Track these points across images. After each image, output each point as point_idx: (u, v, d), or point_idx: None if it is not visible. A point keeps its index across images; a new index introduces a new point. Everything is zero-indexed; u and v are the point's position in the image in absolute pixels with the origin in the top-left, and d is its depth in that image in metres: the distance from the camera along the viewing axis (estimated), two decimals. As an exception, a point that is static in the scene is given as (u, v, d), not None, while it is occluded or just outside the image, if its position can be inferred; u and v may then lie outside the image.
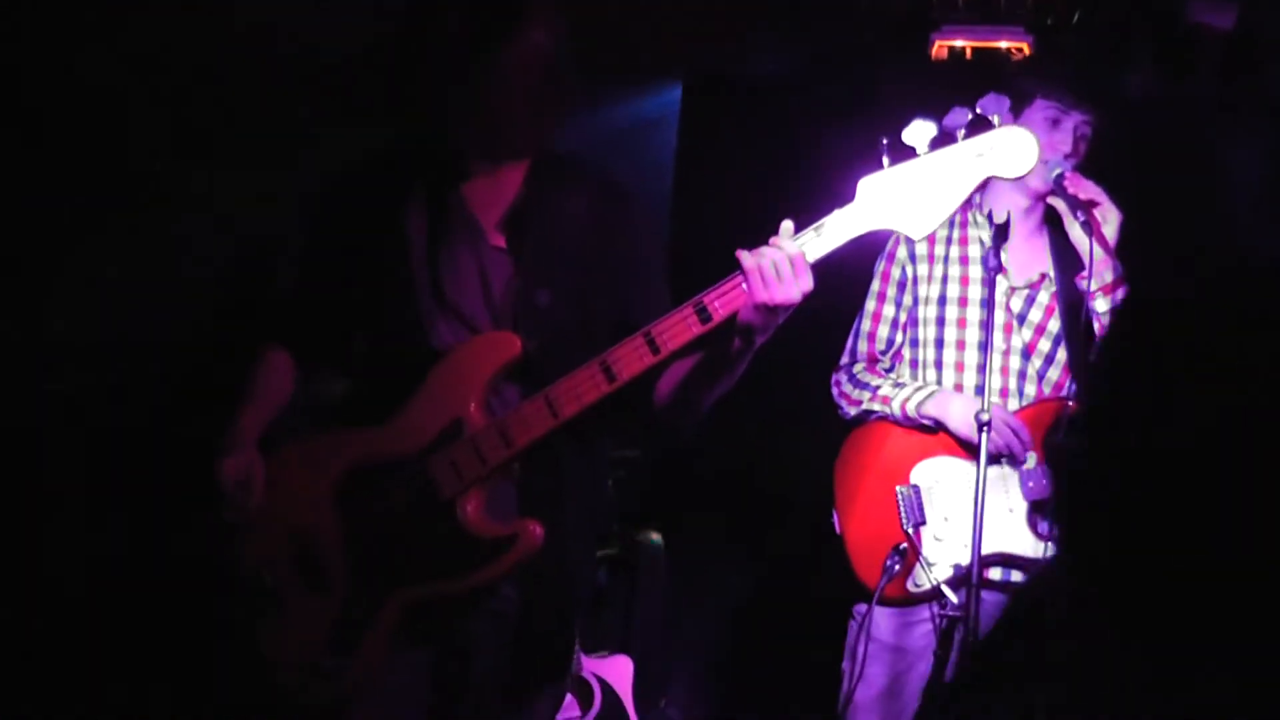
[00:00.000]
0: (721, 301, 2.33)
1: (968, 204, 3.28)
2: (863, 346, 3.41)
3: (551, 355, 2.43)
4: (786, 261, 2.25)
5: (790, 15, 4.12)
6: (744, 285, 2.30)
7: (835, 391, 3.41)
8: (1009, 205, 3.23)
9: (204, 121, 3.47)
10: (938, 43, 4.22)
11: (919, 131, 2.32)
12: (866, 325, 3.42)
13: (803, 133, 4.14)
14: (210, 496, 2.49)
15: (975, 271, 3.29)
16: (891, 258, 3.37)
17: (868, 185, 2.33)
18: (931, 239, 3.31)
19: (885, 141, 2.33)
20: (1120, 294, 3.13)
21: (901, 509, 3.21)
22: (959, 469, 3.22)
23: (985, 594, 3.16)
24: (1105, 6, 4.09)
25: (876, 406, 3.30)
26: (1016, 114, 3.16)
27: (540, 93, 2.40)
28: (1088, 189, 3.13)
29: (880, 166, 2.33)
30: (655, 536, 4.09)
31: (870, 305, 3.43)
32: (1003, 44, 4.15)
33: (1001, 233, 3.03)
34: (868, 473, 3.29)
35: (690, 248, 2.66)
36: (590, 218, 2.51)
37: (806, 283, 2.27)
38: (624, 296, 2.51)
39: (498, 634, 2.51)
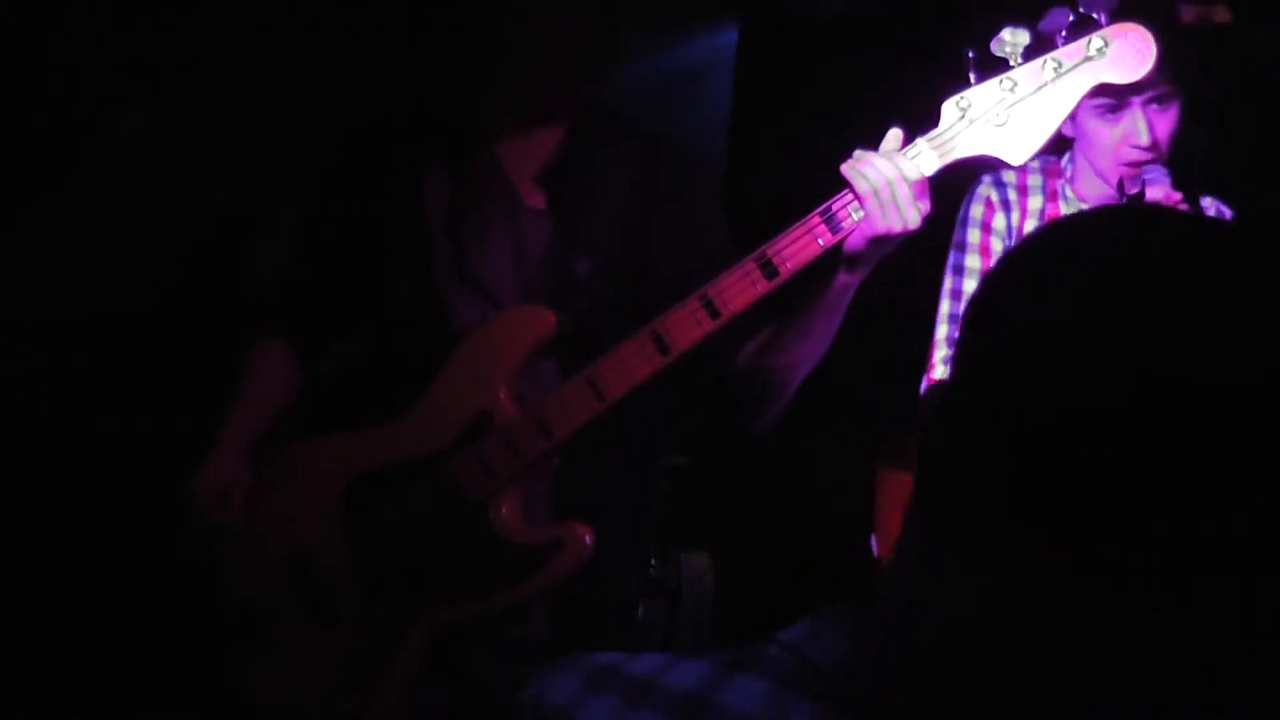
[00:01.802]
0: (790, 252, 2.05)
1: (1056, 174, 2.88)
2: None
3: (594, 332, 2.15)
4: (904, 183, 1.99)
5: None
6: (815, 233, 2.04)
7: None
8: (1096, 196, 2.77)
9: (156, 47, 3.17)
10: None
11: (1010, 39, 2.05)
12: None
13: (874, 77, 3.84)
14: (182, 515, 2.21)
15: None
16: (990, 205, 2.86)
17: (953, 107, 2.06)
18: (1024, 200, 2.87)
19: (971, 55, 2.06)
20: None
21: None
22: None
23: None
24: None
25: None
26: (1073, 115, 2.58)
27: (583, 43, 2.17)
28: None
29: (967, 85, 2.07)
30: (702, 556, 3.79)
31: (969, 283, 2.88)
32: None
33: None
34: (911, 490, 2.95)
35: (748, 207, 2.41)
36: (640, 177, 2.25)
37: (926, 205, 2.01)
38: (682, 267, 2.20)
39: (524, 671, 2.21)
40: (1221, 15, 3.07)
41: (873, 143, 2.08)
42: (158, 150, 3.19)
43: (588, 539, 2.09)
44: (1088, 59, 2.01)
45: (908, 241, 2.04)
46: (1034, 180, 2.88)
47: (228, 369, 2.32)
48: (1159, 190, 2.53)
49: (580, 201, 2.23)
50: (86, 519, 3.28)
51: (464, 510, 2.12)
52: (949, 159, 2.05)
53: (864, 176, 2.00)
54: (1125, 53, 2.00)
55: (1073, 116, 2.65)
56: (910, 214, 1.99)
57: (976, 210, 2.88)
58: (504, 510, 2.11)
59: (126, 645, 3.16)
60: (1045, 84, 2.03)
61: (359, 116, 2.40)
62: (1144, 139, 2.55)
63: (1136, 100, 2.57)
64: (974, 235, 2.88)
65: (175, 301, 3.09)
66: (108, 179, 3.19)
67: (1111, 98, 2.57)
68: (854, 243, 2.04)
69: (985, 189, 2.88)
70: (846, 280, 2.07)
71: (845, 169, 2.02)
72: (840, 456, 3.91)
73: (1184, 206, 2.52)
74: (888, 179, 1.99)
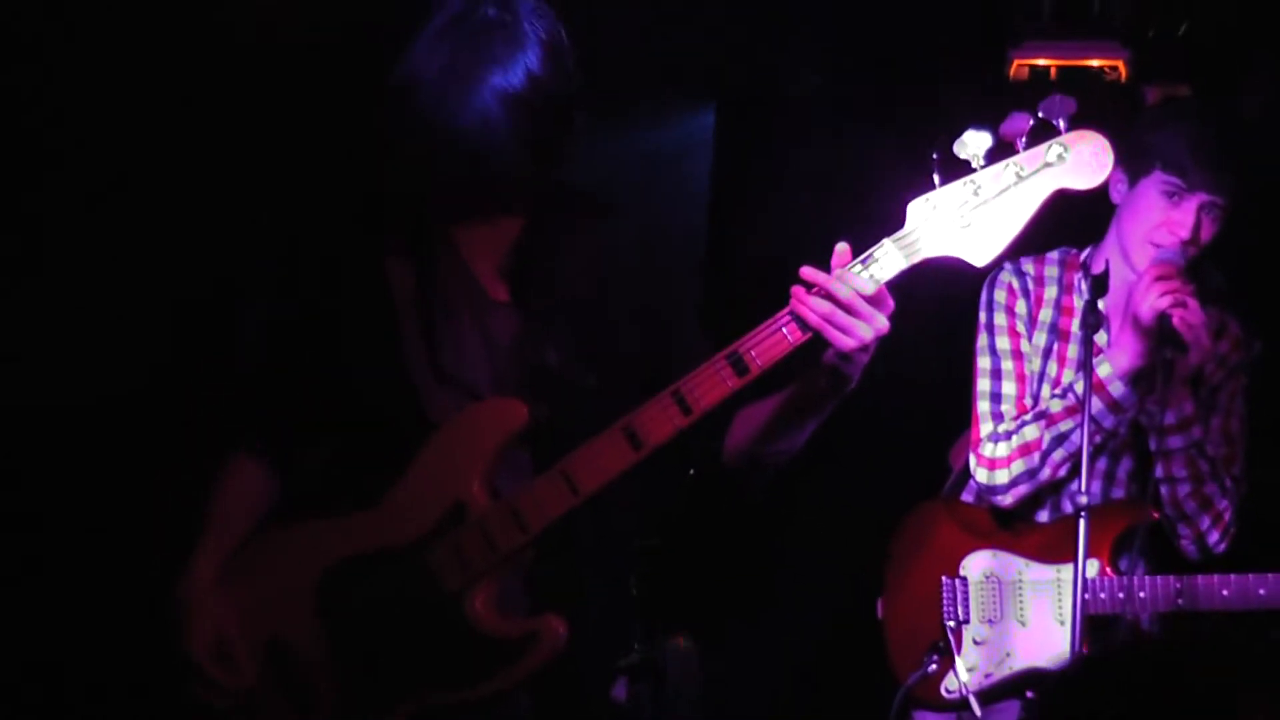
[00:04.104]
0: (759, 350, 2.18)
1: (1074, 266, 3.14)
2: (1009, 412, 3.07)
3: (567, 422, 2.27)
4: (857, 300, 2.11)
5: (836, 29, 3.94)
6: (784, 331, 2.16)
7: (984, 465, 3.05)
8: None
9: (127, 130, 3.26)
10: (1016, 61, 3.91)
11: (973, 142, 2.18)
12: (1010, 388, 3.09)
13: (851, 157, 3.97)
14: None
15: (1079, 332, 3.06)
16: (1013, 291, 3.12)
17: (919, 208, 2.19)
18: (1039, 290, 3.11)
19: (936, 157, 2.20)
20: (1196, 432, 2.97)
21: (945, 602, 3.08)
22: (1012, 567, 3.08)
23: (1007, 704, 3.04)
24: (1220, 11, 3.78)
25: (1064, 426, 2.96)
26: (1133, 180, 2.98)
27: (537, 136, 2.25)
28: (1199, 341, 2.81)
29: (932, 186, 2.20)
30: (685, 640, 3.90)
31: (1006, 363, 3.10)
32: (1094, 62, 3.86)
33: (1100, 285, 2.77)
34: (918, 557, 3.16)
35: (730, 286, 2.53)
36: (605, 259, 2.36)
37: (889, 306, 2.14)
38: (652, 350, 2.34)
39: None
40: (1182, 91, 3.27)
41: (855, 216, 2.21)
42: (128, 241, 3.29)
43: (562, 631, 2.20)
44: (1048, 165, 2.15)
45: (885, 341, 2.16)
46: (1051, 271, 3.18)
47: (204, 469, 2.42)
48: (1169, 270, 2.82)
49: (543, 292, 2.34)
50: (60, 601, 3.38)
51: (439, 601, 2.23)
52: (915, 259, 2.17)
53: (812, 311, 2.12)
54: (1084, 160, 2.14)
55: (1130, 183, 3.00)
56: (876, 322, 2.12)
57: (1000, 295, 3.15)
58: (478, 602, 2.23)
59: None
60: (1008, 188, 2.16)
61: (317, 207, 2.52)
62: (1187, 233, 2.91)
63: (1201, 197, 2.92)
64: (1001, 318, 3.14)
65: (151, 396, 3.18)
66: (81, 267, 3.29)
67: (1182, 183, 2.91)
68: (829, 357, 2.16)
69: (1007, 275, 3.16)
70: (834, 388, 2.20)
71: (793, 308, 2.15)
72: (825, 531, 4.05)
73: (1192, 299, 2.79)
74: (843, 302, 2.11)
